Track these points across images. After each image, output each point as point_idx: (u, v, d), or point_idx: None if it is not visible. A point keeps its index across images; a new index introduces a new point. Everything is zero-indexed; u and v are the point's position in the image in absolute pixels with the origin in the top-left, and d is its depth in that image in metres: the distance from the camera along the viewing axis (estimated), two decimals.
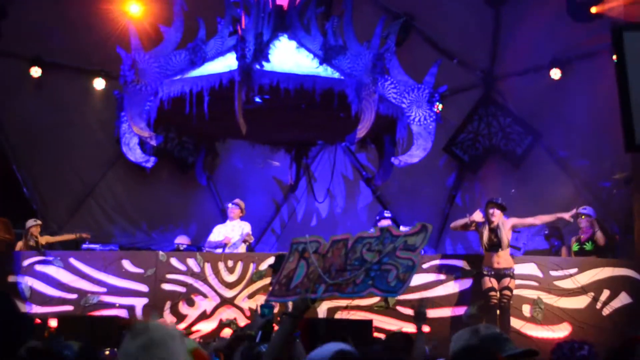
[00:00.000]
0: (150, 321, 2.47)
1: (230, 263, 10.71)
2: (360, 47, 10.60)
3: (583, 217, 10.69)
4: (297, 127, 12.10)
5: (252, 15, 10.61)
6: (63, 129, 13.89)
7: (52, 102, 13.85)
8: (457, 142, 13.58)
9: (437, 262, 10.32)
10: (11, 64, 13.86)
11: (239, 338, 4.91)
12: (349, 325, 9.27)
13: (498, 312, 9.74)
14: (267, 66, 10.34)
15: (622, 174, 11.68)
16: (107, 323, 9.81)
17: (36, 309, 10.71)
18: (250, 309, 10.31)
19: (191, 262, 10.75)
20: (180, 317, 10.62)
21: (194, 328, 10.57)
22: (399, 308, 10.08)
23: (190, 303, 10.63)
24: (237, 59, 10.18)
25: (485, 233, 9.93)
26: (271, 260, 10.40)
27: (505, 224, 9.92)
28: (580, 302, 9.97)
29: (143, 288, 10.74)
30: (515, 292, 9.86)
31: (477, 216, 10.07)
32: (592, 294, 9.95)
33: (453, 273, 10.25)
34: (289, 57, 10.69)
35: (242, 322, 10.30)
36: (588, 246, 10.64)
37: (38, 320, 10.16)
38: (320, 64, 10.61)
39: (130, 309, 10.68)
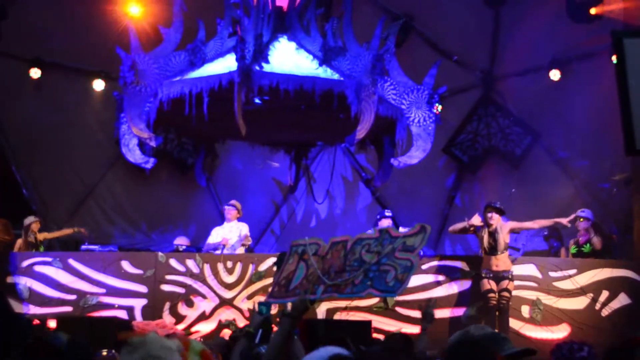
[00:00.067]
0: (147, 335, 2.47)
1: (229, 264, 10.71)
2: (360, 48, 10.61)
3: (581, 219, 10.71)
4: (296, 128, 12.11)
5: (251, 16, 10.61)
6: (63, 130, 13.89)
7: (52, 103, 13.87)
8: (457, 143, 13.59)
9: (436, 263, 10.33)
10: (11, 65, 13.88)
11: (237, 338, 4.92)
12: (348, 326, 9.28)
13: (497, 313, 9.75)
14: (267, 67, 10.35)
15: (621, 175, 11.69)
16: (106, 324, 9.79)
17: (35, 310, 10.69)
18: (250, 310, 10.31)
19: (190, 263, 10.75)
20: (180, 318, 10.62)
21: (193, 329, 10.56)
22: (398, 309, 10.09)
23: (190, 304, 10.62)
24: (237, 60, 10.18)
25: (484, 237, 9.94)
26: (271, 260, 10.42)
27: (503, 227, 9.94)
28: (579, 303, 9.98)
29: (142, 289, 10.74)
30: (515, 293, 9.87)
31: (476, 220, 10.08)
32: (591, 294, 9.96)
33: (452, 274, 10.26)
34: (288, 58, 10.69)
35: (241, 323, 10.30)
36: (586, 248, 10.65)
37: (37, 321, 10.15)
38: (320, 65, 10.61)
39: (130, 309, 10.67)
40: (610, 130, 10.33)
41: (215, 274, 10.68)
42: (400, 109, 10.82)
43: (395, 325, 9.95)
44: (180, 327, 10.47)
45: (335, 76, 10.51)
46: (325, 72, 10.54)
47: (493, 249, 9.86)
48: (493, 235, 9.89)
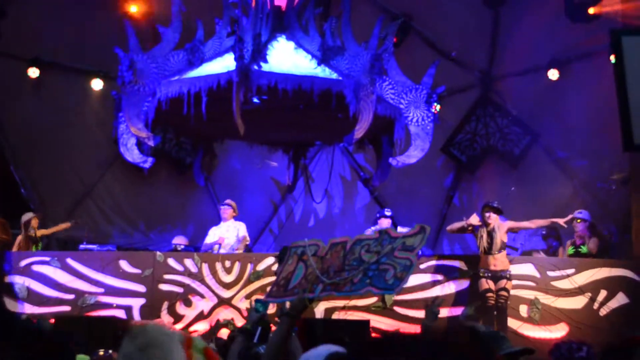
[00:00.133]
0: (148, 322, 2.48)
1: (227, 263, 10.71)
2: (359, 47, 10.61)
3: (578, 221, 10.72)
4: (295, 128, 12.11)
5: (250, 15, 10.61)
6: (61, 129, 13.90)
7: (50, 102, 13.87)
8: (455, 143, 13.60)
9: (434, 262, 10.32)
10: (10, 65, 13.88)
11: (236, 337, 4.93)
12: (346, 325, 9.29)
13: (495, 312, 9.76)
14: (265, 67, 10.35)
15: (620, 175, 11.69)
16: (104, 323, 9.80)
17: (33, 309, 10.69)
18: (248, 310, 10.31)
19: (189, 262, 10.75)
20: (178, 318, 10.61)
21: (191, 328, 10.56)
22: (396, 308, 10.09)
23: (188, 303, 10.62)
24: (235, 59, 10.18)
25: (482, 236, 9.95)
26: (270, 260, 10.43)
27: (501, 227, 9.95)
28: (578, 302, 9.98)
29: (140, 288, 10.73)
30: (513, 292, 9.87)
31: (474, 219, 10.09)
32: (589, 294, 9.96)
33: (450, 274, 10.26)
34: (287, 57, 10.69)
35: (240, 322, 10.30)
36: (583, 249, 10.66)
37: (35, 321, 10.14)
38: (319, 64, 10.62)
39: (128, 309, 10.67)
40: (609, 129, 10.31)
41: (214, 273, 10.67)
42: (398, 109, 10.82)
43: (393, 324, 9.96)
44: (179, 326, 10.46)
45: (334, 76, 10.51)
46: (323, 72, 10.55)
47: (491, 248, 9.87)
48: (491, 234, 9.90)
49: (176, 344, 2.40)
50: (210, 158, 13.80)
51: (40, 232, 12.07)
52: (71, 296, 10.80)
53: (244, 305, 10.48)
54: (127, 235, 14.36)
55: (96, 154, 14.22)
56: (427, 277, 10.17)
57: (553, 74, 12.53)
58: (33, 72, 13.77)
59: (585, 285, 9.99)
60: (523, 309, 10.03)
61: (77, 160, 14.20)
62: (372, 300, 9.96)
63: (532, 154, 13.12)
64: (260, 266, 10.58)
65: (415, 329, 9.51)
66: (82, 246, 11.84)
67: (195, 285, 10.65)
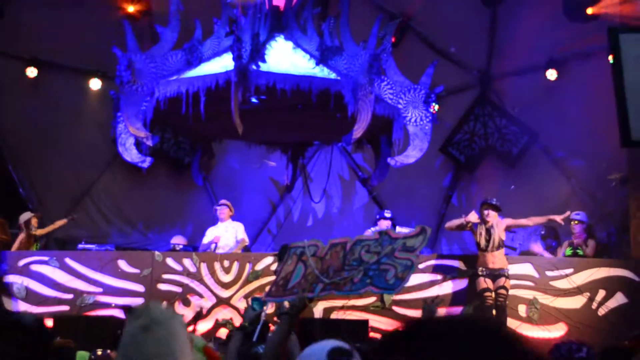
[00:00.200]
0: (151, 302, 2.49)
1: (226, 263, 10.70)
2: (357, 47, 10.61)
3: (576, 222, 10.73)
4: (293, 128, 12.11)
5: (248, 15, 10.61)
6: (59, 129, 13.89)
7: (49, 102, 13.86)
8: (454, 143, 13.60)
9: (433, 262, 10.32)
10: (7, 64, 13.87)
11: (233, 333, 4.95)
12: (345, 325, 9.29)
13: (494, 312, 9.75)
14: (264, 67, 10.35)
15: (618, 175, 11.70)
16: (103, 323, 9.80)
17: (32, 309, 10.68)
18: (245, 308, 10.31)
19: (187, 262, 10.74)
20: None
21: (189, 328, 10.55)
22: (395, 308, 10.09)
23: (187, 303, 10.61)
24: (234, 59, 10.18)
25: (480, 233, 9.95)
26: (269, 259, 10.43)
27: (499, 224, 9.96)
28: (576, 302, 9.98)
29: (139, 288, 10.73)
30: (511, 292, 9.87)
31: (472, 217, 10.09)
32: (588, 294, 9.96)
33: (449, 273, 10.26)
34: (285, 57, 10.70)
35: (238, 322, 10.29)
36: (581, 251, 10.67)
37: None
38: (317, 64, 10.62)
39: (126, 309, 10.65)
40: (607, 129, 10.33)
41: (212, 273, 10.66)
42: (397, 109, 10.83)
43: (392, 324, 9.95)
44: None
45: (332, 75, 10.52)
46: (322, 72, 10.55)
47: (489, 246, 9.86)
48: (489, 231, 9.90)
49: (179, 324, 2.42)
50: (208, 158, 13.81)
51: (40, 232, 12.08)
52: (70, 296, 10.80)
53: (242, 304, 10.47)
54: (125, 234, 14.36)
55: (94, 153, 14.21)
56: (425, 277, 10.17)
57: (551, 74, 12.54)
58: (31, 72, 13.77)
59: (583, 285, 9.99)
60: (522, 309, 10.03)
61: (75, 159, 14.18)
62: (371, 300, 9.96)
63: (530, 154, 13.13)
64: (259, 266, 10.58)
65: None
66: (80, 246, 11.85)
67: (194, 284, 10.64)
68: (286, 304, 4.93)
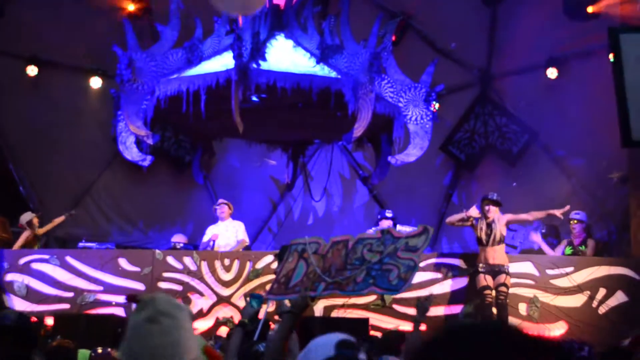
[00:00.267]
0: (157, 293, 2.49)
1: (226, 261, 10.71)
2: (357, 46, 10.61)
3: (575, 222, 10.74)
4: (294, 126, 12.11)
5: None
6: (60, 127, 13.89)
7: (49, 100, 13.85)
8: (454, 141, 13.60)
9: (433, 260, 10.33)
10: (7, 63, 13.87)
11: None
12: (345, 323, 9.29)
13: (495, 310, 9.75)
14: (264, 65, 10.35)
15: (618, 173, 11.70)
16: (103, 321, 9.80)
17: (32, 307, 10.68)
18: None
19: (188, 260, 10.75)
20: None
21: None
22: (395, 306, 10.10)
23: (187, 301, 10.59)
24: (234, 57, 10.19)
25: (481, 228, 9.96)
26: (269, 258, 10.43)
27: (500, 219, 9.97)
28: (577, 300, 9.99)
29: (139, 286, 10.73)
30: (512, 290, 9.87)
31: (473, 212, 10.10)
32: (588, 292, 9.97)
33: (449, 271, 10.27)
34: (285, 56, 10.70)
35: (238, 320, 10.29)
36: (581, 248, 10.67)
37: (34, 319, 10.14)
38: (317, 63, 10.63)
39: (127, 307, 10.66)
40: (608, 128, 10.33)
41: (213, 271, 10.67)
42: (397, 107, 10.83)
43: (392, 322, 9.96)
44: None
45: (333, 74, 10.52)
46: (322, 70, 10.56)
47: (490, 240, 9.86)
48: (490, 226, 9.91)
49: (185, 315, 2.41)
50: (209, 156, 13.82)
51: (40, 230, 12.10)
52: (70, 294, 10.80)
53: (243, 303, 10.46)
54: (126, 233, 14.35)
55: (95, 152, 14.20)
56: (426, 275, 10.17)
57: (552, 73, 12.53)
58: (31, 70, 13.76)
59: (584, 283, 10.00)
60: (522, 307, 10.04)
61: (75, 158, 14.18)
62: (371, 298, 9.97)
63: (530, 153, 13.12)
64: (259, 264, 10.59)
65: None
66: (81, 244, 11.84)
67: (195, 283, 10.64)
68: (287, 302, 4.93)
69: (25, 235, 11.85)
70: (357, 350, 2.83)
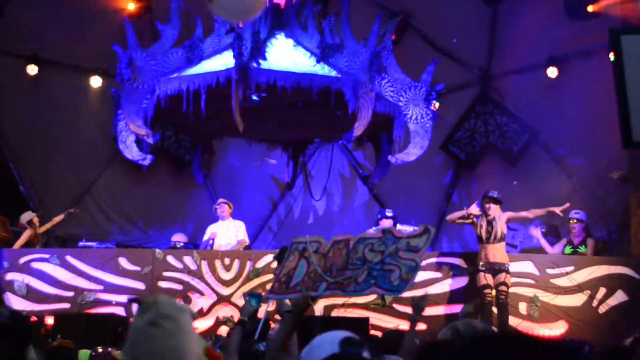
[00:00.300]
0: (159, 295, 2.48)
1: (227, 261, 10.70)
2: (357, 45, 10.61)
3: (575, 221, 10.74)
4: (294, 125, 12.11)
5: None
6: (60, 127, 13.88)
7: (49, 100, 13.85)
8: (454, 140, 13.59)
9: (433, 259, 10.33)
10: (8, 62, 13.86)
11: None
12: (345, 323, 9.28)
13: (495, 309, 9.75)
14: (264, 64, 10.35)
15: (618, 173, 11.69)
16: (103, 321, 9.80)
17: (33, 307, 10.69)
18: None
19: (188, 259, 10.75)
20: None
21: None
22: (396, 306, 10.10)
23: (187, 301, 10.60)
24: (234, 57, 10.19)
25: (482, 225, 9.95)
26: (269, 257, 10.42)
27: (501, 217, 9.98)
28: (577, 300, 9.99)
29: (140, 286, 10.73)
30: (512, 290, 9.87)
31: (474, 209, 10.10)
32: (589, 291, 9.97)
33: (449, 271, 10.27)
34: (286, 55, 10.70)
35: None
36: (582, 249, 10.68)
37: (34, 318, 10.15)
38: (318, 62, 10.63)
39: (127, 306, 10.66)
40: (608, 127, 10.32)
41: (213, 270, 10.67)
42: (397, 106, 10.83)
43: (392, 322, 9.96)
44: None
45: (333, 73, 10.52)
46: (322, 69, 10.56)
47: (490, 238, 9.86)
48: (491, 224, 9.91)
49: (187, 318, 2.41)
50: (209, 155, 13.82)
51: (41, 229, 12.11)
52: (71, 293, 10.81)
53: (242, 302, 10.45)
54: (126, 232, 14.35)
55: (95, 151, 14.20)
56: (426, 275, 10.17)
57: (552, 72, 12.52)
58: (32, 70, 13.75)
59: (584, 282, 10.00)
60: (522, 307, 10.04)
61: (76, 157, 14.18)
62: (371, 297, 9.96)
63: (530, 152, 13.11)
64: (260, 263, 10.58)
65: (421, 326, 9.53)
66: (81, 243, 11.84)
67: (195, 282, 10.64)
68: (287, 301, 4.93)
69: (26, 234, 11.86)
70: (362, 348, 2.83)
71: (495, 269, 9.81)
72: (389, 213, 11.78)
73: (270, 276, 9.83)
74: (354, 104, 10.27)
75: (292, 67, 10.50)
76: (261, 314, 5.46)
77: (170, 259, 10.78)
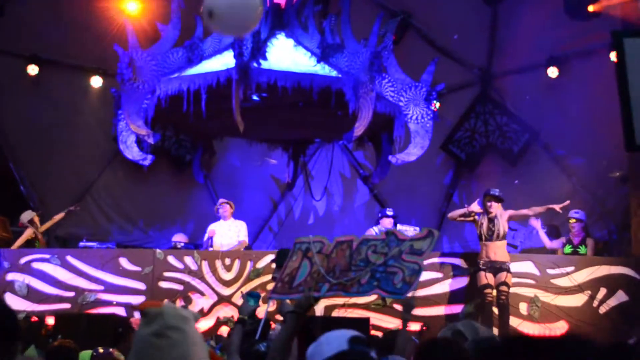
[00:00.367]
0: (164, 306, 2.47)
1: (227, 261, 10.71)
2: (358, 45, 10.61)
3: (574, 220, 10.74)
4: (294, 126, 12.11)
5: None
6: (60, 127, 13.89)
7: (50, 100, 13.86)
8: (454, 140, 13.60)
9: (434, 260, 10.32)
10: (8, 62, 13.87)
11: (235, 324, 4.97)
12: (346, 323, 9.29)
13: (496, 310, 9.74)
14: (265, 64, 10.35)
15: (618, 173, 11.70)
16: (104, 321, 9.79)
17: (33, 307, 10.69)
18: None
19: (188, 260, 10.75)
20: None
21: None
22: (396, 306, 10.08)
23: (188, 301, 10.61)
24: (235, 57, 10.18)
25: (483, 223, 9.95)
26: (270, 257, 10.42)
27: (503, 214, 9.98)
28: (577, 300, 9.99)
29: (140, 286, 10.74)
30: (512, 290, 9.87)
31: (475, 207, 10.10)
32: (589, 292, 9.97)
33: (450, 271, 10.27)
34: (286, 55, 10.70)
35: None
36: (582, 250, 10.68)
37: (35, 318, 10.15)
38: (318, 62, 10.63)
39: (128, 306, 10.67)
40: (608, 127, 10.34)
41: (214, 271, 10.67)
42: (398, 106, 10.83)
43: (393, 322, 9.95)
44: None
45: (333, 73, 10.52)
46: (323, 69, 10.56)
47: (492, 235, 9.85)
48: (492, 221, 9.90)
49: (192, 327, 2.41)
50: (209, 155, 13.83)
51: (42, 228, 12.12)
52: (71, 294, 10.80)
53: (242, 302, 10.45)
54: (126, 232, 14.35)
55: (95, 151, 14.21)
56: (426, 275, 10.16)
57: (552, 72, 12.52)
58: (32, 70, 13.76)
59: (584, 283, 10.00)
60: (523, 307, 10.04)
61: (76, 157, 14.18)
62: (372, 298, 9.96)
63: (531, 152, 13.12)
64: (260, 264, 10.58)
65: (415, 326, 9.52)
66: (81, 244, 11.84)
67: (195, 282, 10.65)
68: (288, 302, 4.93)
69: (27, 233, 11.86)
70: (369, 347, 2.84)
71: (496, 268, 9.80)
72: (389, 212, 11.77)
73: (271, 276, 9.82)
74: (355, 104, 10.26)
75: (292, 67, 10.50)
76: (262, 314, 5.46)
77: (171, 259, 10.78)
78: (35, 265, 10.99)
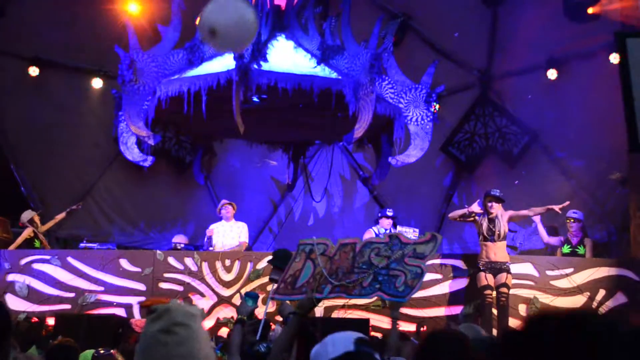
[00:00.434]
0: (171, 302, 2.50)
1: (227, 262, 10.72)
2: (358, 47, 10.64)
3: (572, 220, 10.75)
4: (294, 127, 12.13)
5: None
6: (61, 128, 13.91)
7: (50, 101, 13.88)
8: (454, 142, 13.61)
9: (433, 261, 10.33)
10: (9, 63, 13.89)
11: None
12: (345, 324, 9.30)
13: (495, 311, 9.75)
14: (265, 66, 10.38)
15: (617, 175, 11.71)
16: (104, 322, 9.81)
17: (34, 308, 10.70)
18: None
19: (189, 261, 10.76)
20: None
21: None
22: None
23: (188, 302, 10.62)
24: (235, 58, 10.21)
25: (483, 224, 9.96)
26: (270, 258, 10.43)
27: (503, 215, 9.99)
28: (576, 301, 9.99)
29: (140, 287, 10.75)
30: (512, 291, 9.87)
31: (475, 207, 10.11)
32: (588, 293, 9.98)
33: (450, 272, 10.28)
34: (286, 57, 10.72)
35: None
36: (580, 250, 10.69)
37: (35, 319, 10.17)
38: (318, 63, 10.65)
39: (128, 307, 10.69)
40: (608, 129, 10.37)
41: (214, 272, 10.68)
42: (398, 108, 10.86)
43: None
44: None
45: (333, 75, 10.55)
46: (323, 71, 10.58)
47: (492, 235, 9.86)
48: (493, 222, 9.91)
49: (199, 323, 2.43)
50: (210, 157, 13.85)
51: (43, 227, 12.14)
52: (71, 294, 10.82)
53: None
54: (127, 233, 14.37)
55: (96, 152, 14.22)
56: (426, 276, 10.13)
57: (552, 74, 12.54)
58: (33, 71, 13.78)
59: (584, 284, 10.01)
60: (522, 308, 10.05)
61: (77, 158, 14.20)
62: (372, 299, 9.98)
63: (530, 154, 13.13)
64: (260, 265, 10.59)
65: (411, 327, 9.55)
66: (82, 245, 11.86)
67: (195, 283, 10.66)
68: (288, 302, 4.95)
69: (25, 232, 11.88)
70: (374, 349, 2.87)
71: (497, 268, 9.80)
72: (389, 212, 11.78)
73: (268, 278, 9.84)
74: (355, 106, 10.29)
75: (292, 68, 10.52)
76: (261, 314, 5.48)
77: (171, 260, 10.80)
78: (36, 266, 11.00)
